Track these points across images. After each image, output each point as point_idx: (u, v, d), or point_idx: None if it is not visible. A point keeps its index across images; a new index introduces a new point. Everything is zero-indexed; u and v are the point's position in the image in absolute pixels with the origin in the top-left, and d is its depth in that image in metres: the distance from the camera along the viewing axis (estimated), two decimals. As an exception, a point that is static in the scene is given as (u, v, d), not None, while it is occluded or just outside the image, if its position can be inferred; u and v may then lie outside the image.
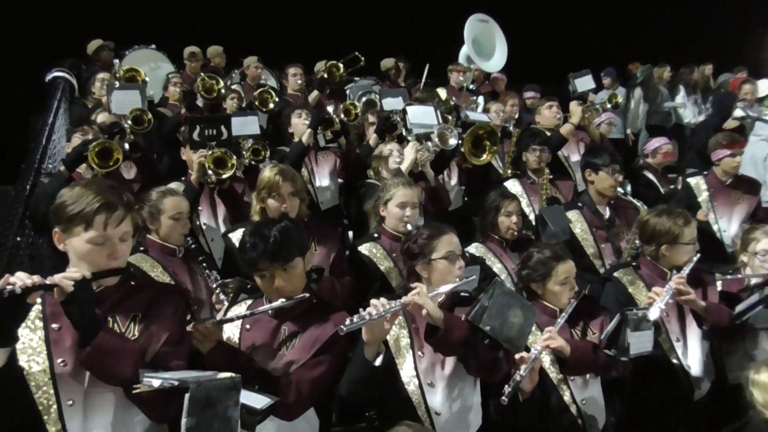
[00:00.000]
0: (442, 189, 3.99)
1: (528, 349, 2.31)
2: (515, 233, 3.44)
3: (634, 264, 2.99)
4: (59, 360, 1.70)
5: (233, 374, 1.68)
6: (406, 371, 2.27)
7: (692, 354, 2.79)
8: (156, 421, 1.79)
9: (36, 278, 1.55)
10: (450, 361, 2.28)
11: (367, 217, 3.36)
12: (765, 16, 9.49)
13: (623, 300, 2.82)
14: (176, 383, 1.60)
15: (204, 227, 3.71)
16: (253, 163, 4.26)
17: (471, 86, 6.94)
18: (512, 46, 7.42)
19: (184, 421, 1.54)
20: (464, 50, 7.25)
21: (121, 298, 1.82)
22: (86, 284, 1.65)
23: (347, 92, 6.46)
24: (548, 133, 4.76)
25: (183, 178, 3.65)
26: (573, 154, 4.99)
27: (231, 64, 7.08)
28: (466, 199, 4.79)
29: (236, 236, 3.00)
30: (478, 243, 3.46)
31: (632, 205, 3.87)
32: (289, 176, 2.92)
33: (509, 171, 4.86)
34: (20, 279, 1.53)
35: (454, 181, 4.63)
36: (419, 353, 2.29)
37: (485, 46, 7.34)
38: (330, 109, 5.75)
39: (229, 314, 2.21)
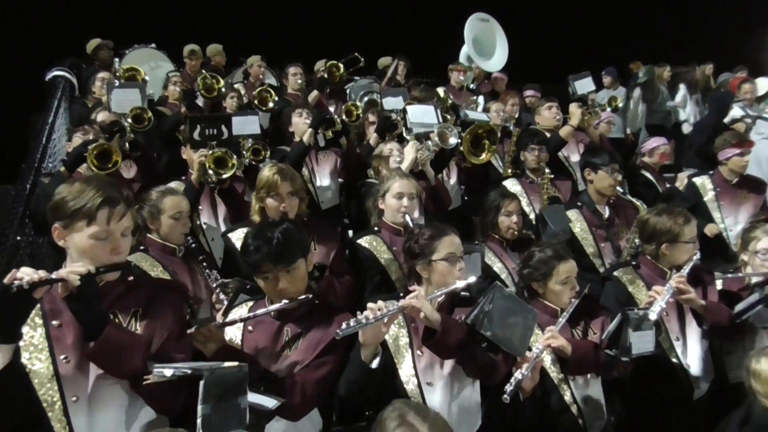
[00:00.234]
0: (442, 188, 3.98)
1: (529, 349, 2.31)
2: (515, 233, 3.43)
3: (633, 263, 2.99)
4: (62, 357, 1.70)
5: (239, 363, 1.69)
6: (405, 370, 2.27)
7: (692, 353, 2.79)
8: (162, 413, 1.79)
9: (42, 273, 1.56)
10: (449, 361, 2.28)
11: (368, 217, 3.35)
12: (765, 16, 9.50)
13: (623, 299, 2.82)
14: (189, 371, 1.62)
15: (204, 227, 3.70)
16: (253, 162, 4.25)
17: (471, 85, 6.94)
18: (513, 46, 7.41)
19: (199, 408, 1.55)
20: (465, 49, 7.24)
21: (121, 294, 1.82)
22: (91, 278, 1.66)
23: (347, 92, 6.44)
24: (547, 134, 4.75)
25: (183, 178, 3.65)
26: (573, 155, 4.98)
27: (231, 63, 7.07)
28: (465, 198, 4.78)
29: (236, 236, 3.00)
30: (478, 242, 3.45)
31: (632, 205, 3.85)
32: (288, 175, 2.91)
33: (509, 170, 4.86)
34: (27, 274, 1.53)
35: (453, 180, 4.63)
36: (418, 352, 2.29)
37: (486, 45, 7.33)
38: (331, 108, 5.75)
39: (232, 316, 2.20)
